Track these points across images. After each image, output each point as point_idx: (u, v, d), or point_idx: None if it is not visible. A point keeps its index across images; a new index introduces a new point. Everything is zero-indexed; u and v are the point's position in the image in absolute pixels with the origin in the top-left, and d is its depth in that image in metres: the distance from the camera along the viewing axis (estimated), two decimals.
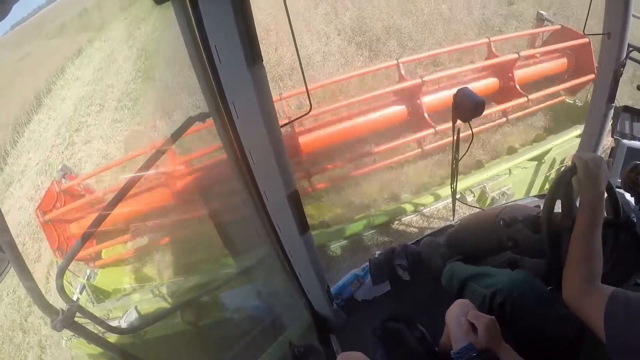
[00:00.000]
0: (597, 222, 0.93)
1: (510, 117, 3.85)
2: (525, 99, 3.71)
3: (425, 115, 3.52)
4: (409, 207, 3.17)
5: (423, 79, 3.43)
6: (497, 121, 3.83)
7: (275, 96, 3.45)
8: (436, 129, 3.41)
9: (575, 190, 1.09)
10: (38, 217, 3.04)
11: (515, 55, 3.71)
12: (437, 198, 3.19)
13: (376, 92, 3.50)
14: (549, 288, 1.18)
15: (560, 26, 4.11)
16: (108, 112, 6.12)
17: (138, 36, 7.99)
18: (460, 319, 1.05)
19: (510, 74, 3.81)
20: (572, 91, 4.12)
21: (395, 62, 3.61)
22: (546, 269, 1.34)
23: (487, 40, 3.88)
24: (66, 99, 7.04)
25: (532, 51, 4.13)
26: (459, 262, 1.58)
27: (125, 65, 7.22)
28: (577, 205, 1.03)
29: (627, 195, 1.37)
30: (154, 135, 5.16)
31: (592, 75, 3.69)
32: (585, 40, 3.75)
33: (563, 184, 1.10)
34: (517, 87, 3.79)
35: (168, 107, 5.40)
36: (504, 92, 3.83)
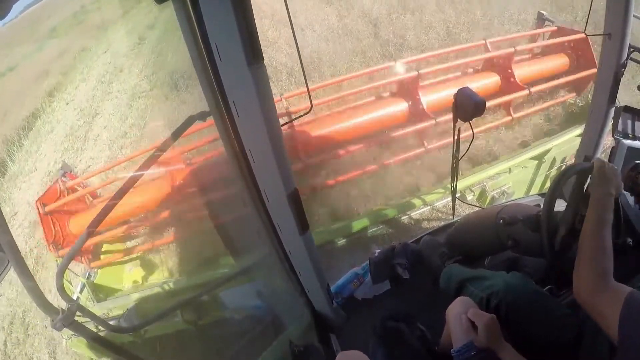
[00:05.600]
0: (607, 219, 0.95)
1: (515, 116, 3.85)
2: (527, 91, 3.71)
3: (424, 107, 3.55)
4: (408, 206, 3.17)
5: (419, 71, 3.48)
6: (502, 120, 3.84)
7: (276, 96, 3.47)
8: (437, 120, 3.44)
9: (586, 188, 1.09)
10: (38, 209, 3.05)
11: (511, 50, 3.71)
12: (437, 197, 3.18)
13: (373, 84, 3.60)
14: (548, 287, 1.19)
15: (556, 27, 4.13)
16: (109, 112, 6.10)
17: (138, 36, 7.95)
18: (460, 317, 1.05)
19: (509, 70, 3.81)
20: (576, 87, 4.11)
21: (393, 63, 3.65)
22: (545, 268, 1.34)
23: (483, 42, 3.89)
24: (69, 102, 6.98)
25: (528, 46, 4.13)
26: (456, 264, 1.59)
27: (125, 64, 7.19)
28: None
29: (627, 195, 1.37)
30: (154, 134, 5.16)
31: (595, 69, 3.70)
32: (582, 36, 3.75)
33: (576, 184, 1.11)
34: (518, 81, 3.79)
35: (169, 106, 5.39)
36: (506, 90, 3.82)
